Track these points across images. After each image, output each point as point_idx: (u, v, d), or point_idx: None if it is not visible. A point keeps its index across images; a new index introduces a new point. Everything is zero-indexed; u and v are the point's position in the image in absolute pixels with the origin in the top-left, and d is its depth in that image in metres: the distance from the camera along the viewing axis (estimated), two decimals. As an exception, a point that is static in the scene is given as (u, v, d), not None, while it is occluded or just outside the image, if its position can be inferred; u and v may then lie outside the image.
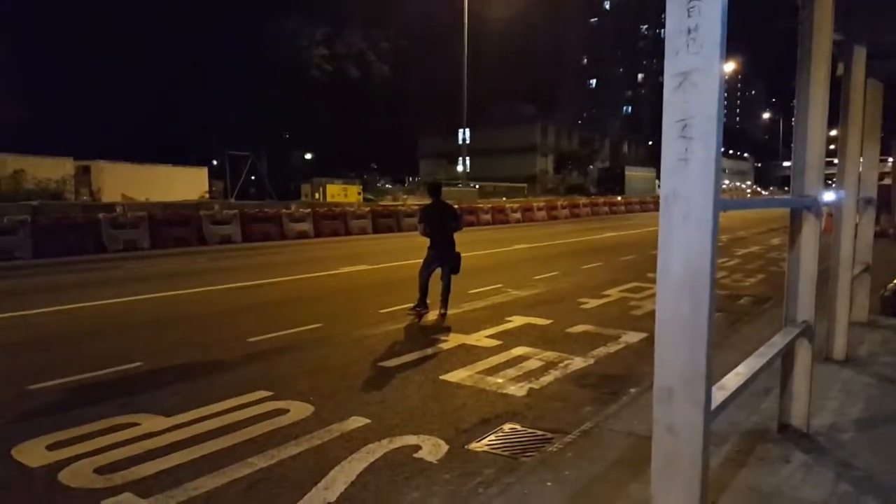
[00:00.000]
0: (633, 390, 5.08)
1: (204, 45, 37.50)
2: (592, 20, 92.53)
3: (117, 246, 16.19)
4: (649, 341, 6.76)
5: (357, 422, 4.43)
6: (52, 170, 28.03)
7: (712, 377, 2.07)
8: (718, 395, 2.25)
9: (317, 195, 36.44)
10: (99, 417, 4.48)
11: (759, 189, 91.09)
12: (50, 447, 4.01)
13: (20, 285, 11.17)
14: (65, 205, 21.33)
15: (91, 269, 13.29)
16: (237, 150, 42.12)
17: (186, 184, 33.12)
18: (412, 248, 11.85)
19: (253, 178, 44.42)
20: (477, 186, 40.89)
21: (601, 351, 6.40)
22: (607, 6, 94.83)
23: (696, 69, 2.01)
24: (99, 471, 3.67)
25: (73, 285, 11.04)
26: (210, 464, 3.76)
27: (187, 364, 5.95)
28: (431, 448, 4.01)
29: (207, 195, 33.96)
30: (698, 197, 1.98)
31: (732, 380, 2.51)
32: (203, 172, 37.28)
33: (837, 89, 5.19)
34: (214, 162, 44.55)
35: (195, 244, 17.87)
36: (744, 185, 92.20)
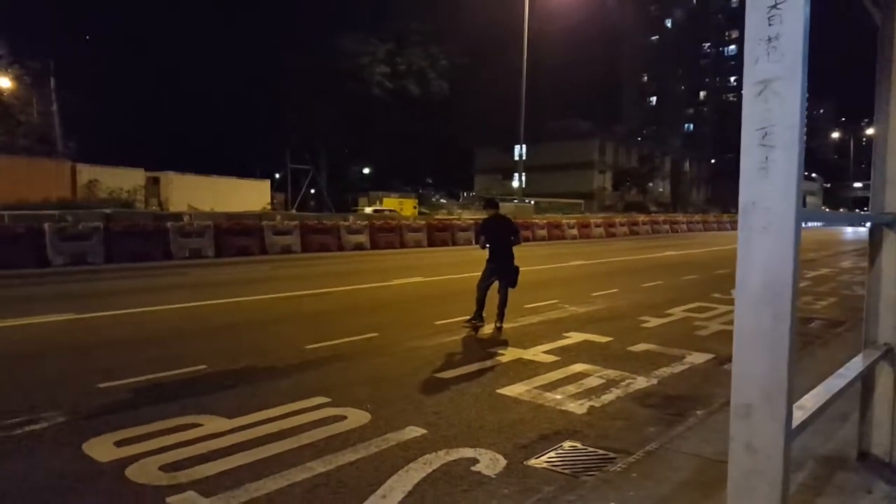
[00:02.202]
0: (699, 412, 4.91)
1: (272, 64, 38.91)
2: (653, 38, 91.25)
3: (183, 254, 16.86)
4: (715, 363, 6.54)
5: (414, 431, 4.43)
6: (125, 180, 29.48)
7: (794, 394, 1.98)
8: (798, 414, 2.15)
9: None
10: (164, 417, 4.62)
11: (828, 210, 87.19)
12: (118, 443, 4.14)
13: (91, 289, 11.74)
14: (135, 213, 22.39)
15: (158, 274, 13.88)
16: (299, 164, 43.37)
17: (250, 195, 34.27)
18: (466, 261, 11.93)
19: (312, 190, 45.62)
20: (532, 202, 40.67)
21: (665, 371, 6.21)
22: (668, 24, 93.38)
23: (778, 77, 1.95)
24: (164, 468, 3.77)
25: (142, 290, 11.52)
26: (270, 466, 3.82)
27: (248, 368, 6.10)
28: (489, 462, 3.96)
29: (269, 206, 35.02)
30: (779, 206, 1.92)
31: (811, 400, 2.40)
32: (266, 185, 38.53)
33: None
34: (277, 175, 46.00)
35: (257, 253, 18.43)
36: (813, 206, 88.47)
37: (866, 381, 3.54)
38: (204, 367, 6.03)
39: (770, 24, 1.97)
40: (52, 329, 7.87)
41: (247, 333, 7.85)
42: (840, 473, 3.59)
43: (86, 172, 29.26)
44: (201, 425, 4.47)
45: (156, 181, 32.19)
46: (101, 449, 4.06)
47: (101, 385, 5.40)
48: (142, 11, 37.26)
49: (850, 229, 38.20)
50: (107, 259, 15.42)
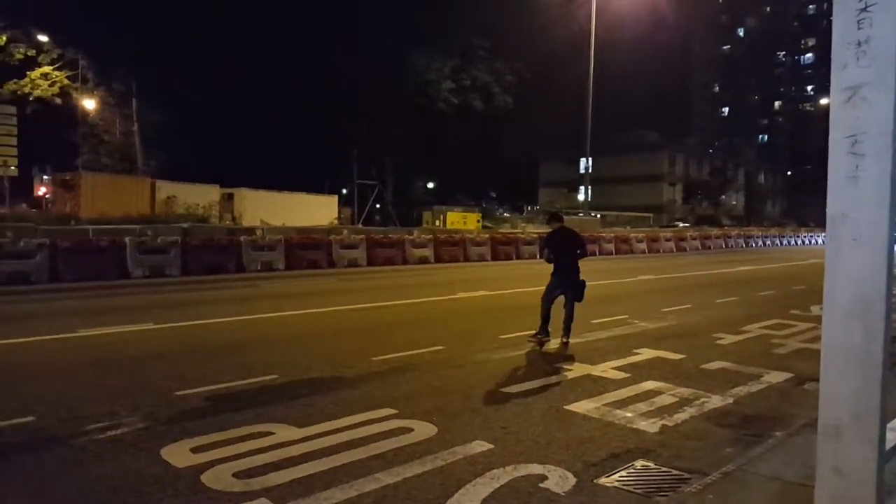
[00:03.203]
0: (778, 433, 4.67)
1: (342, 81, 40.05)
2: (725, 47, 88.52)
3: (255, 266, 17.39)
4: (794, 382, 6.23)
5: (481, 446, 4.40)
6: (200, 196, 30.70)
7: (887, 414, 1.88)
8: (892, 436, 2.03)
9: (437, 222, 37.33)
10: (238, 425, 4.74)
11: None
12: (194, 450, 4.24)
13: (169, 300, 12.24)
14: (211, 228, 23.29)
15: (232, 287, 14.38)
16: (366, 180, 44.30)
17: (318, 210, 35.17)
18: (531, 275, 11.83)
19: (378, 205, 46.43)
20: (598, 215, 39.99)
21: (741, 390, 5.96)
22: (741, 33, 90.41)
23: (868, 83, 1.88)
24: (237, 475, 3.86)
25: (216, 301, 11.97)
26: (339, 476, 3.86)
27: (317, 379, 6.22)
28: (558, 479, 3.89)
29: (337, 221, 35.83)
30: (870, 216, 1.83)
31: (908, 423, 2.26)
32: (334, 200, 39.49)
33: None
34: (344, 190, 47.13)
35: (325, 267, 18.82)
36: None
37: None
38: (275, 376, 6.18)
39: (860, 28, 1.90)
40: (131, 338, 8.21)
41: (316, 344, 8.03)
42: (939, 504, 3.34)
43: (164, 189, 30.69)
44: (273, 434, 4.57)
45: (230, 197, 33.47)
46: (178, 454, 4.17)
47: (179, 392, 5.59)
48: (219, 33, 39.17)
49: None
50: (183, 271, 16.04)
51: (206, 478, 3.82)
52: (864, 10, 1.89)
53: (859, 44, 1.91)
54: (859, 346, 1.83)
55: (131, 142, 36.98)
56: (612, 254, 27.44)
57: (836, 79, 1.93)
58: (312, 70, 40.11)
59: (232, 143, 40.75)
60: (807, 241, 41.24)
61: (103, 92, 34.85)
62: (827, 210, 1.91)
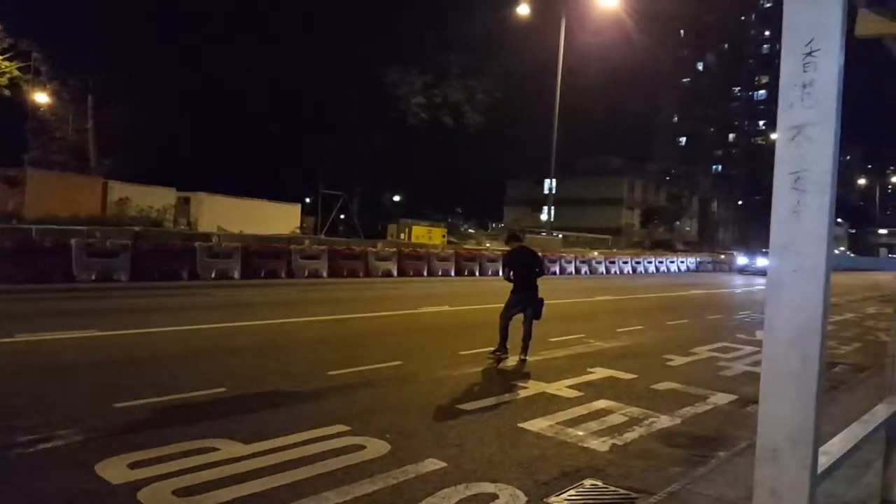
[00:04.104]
0: (722, 454, 4.82)
1: (311, 89, 39.77)
2: (684, 80, 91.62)
3: (210, 274, 16.85)
4: (739, 404, 6.44)
5: (434, 464, 4.37)
6: (156, 199, 29.62)
7: (820, 439, 1.97)
8: (824, 459, 2.13)
9: (402, 235, 37.25)
10: (180, 440, 4.52)
11: (852, 256, 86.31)
12: (132, 465, 4.06)
13: (116, 306, 11.83)
14: (164, 232, 22.52)
15: (184, 295, 13.97)
16: (331, 190, 43.96)
17: (279, 219, 34.60)
18: (493, 291, 11.92)
19: (343, 216, 46.11)
20: (561, 235, 40.57)
21: (688, 410, 6.12)
22: (700, 67, 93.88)
23: (811, 123, 1.98)
24: (177, 493, 3.69)
25: (166, 309, 11.61)
26: (285, 495, 3.75)
27: (268, 393, 6.05)
28: (509, 498, 3.90)
29: (299, 230, 35.36)
30: (811, 250, 1.93)
31: (837, 445, 2.37)
32: (296, 209, 38.92)
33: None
34: (308, 199, 46.61)
35: (284, 277, 18.49)
36: (838, 251, 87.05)
37: (890, 428, 3.48)
38: (224, 389, 5.98)
39: (805, 71, 2.01)
40: (73, 345, 7.85)
41: (270, 357, 7.83)
42: (868, 525, 3.50)
43: (117, 190, 29.54)
44: (218, 449, 4.40)
45: (186, 201, 32.53)
46: (114, 470, 3.98)
47: (121, 404, 5.32)
48: (181, 33, 38.39)
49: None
50: (133, 277, 15.37)
51: (143, 495, 3.65)
52: (810, 54, 2.01)
53: (804, 86, 2.01)
54: (797, 374, 1.92)
55: (85, 139, 35.76)
56: (572, 273, 27.84)
57: (783, 118, 2.03)
58: (280, 77, 39.71)
59: (191, 146, 39.73)
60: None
61: (57, 86, 33.61)
62: (770, 242, 2.01)
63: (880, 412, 3.10)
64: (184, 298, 13.38)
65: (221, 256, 17.59)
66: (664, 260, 37.69)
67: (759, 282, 27.02)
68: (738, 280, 32.09)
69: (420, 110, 42.43)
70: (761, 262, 34.58)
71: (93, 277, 14.84)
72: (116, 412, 5.19)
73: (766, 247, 2.10)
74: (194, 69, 38.51)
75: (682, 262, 39.53)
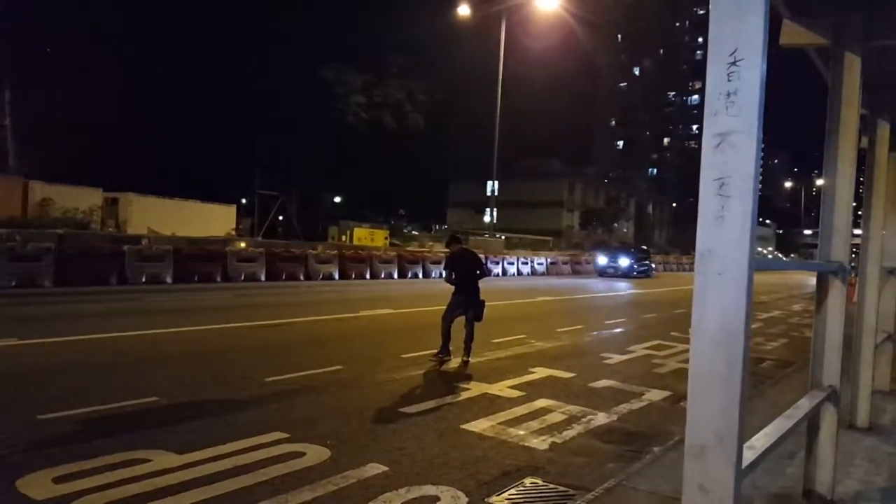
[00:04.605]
0: (656, 449, 4.98)
1: (244, 87, 38.82)
2: (622, 84, 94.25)
3: (140, 279, 16.23)
4: (673, 400, 6.66)
5: (375, 469, 4.35)
6: (80, 199, 28.15)
7: (745, 435, 2.05)
8: (749, 454, 2.22)
9: (343, 238, 36.84)
10: (110, 451, 4.34)
11: (780, 256, 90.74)
12: (57, 480, 3.89)
13: (40, 312, 11.26)
14: (91, 235, 21.48)
15: (112, 300, 13.41)
16: (268, 190, 43.01)
17: (214, 220, 33.52)
18: (437, 294, 11.93)
19: (281, 217, 45.19)
20: (503, 237, 41.04)
21: (624, 407, 6.30)
22: (636, 72, 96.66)
23: (735, 131, 2.06)
24: None
25: (94, 315, 11.08)
26: None
27: (203, 401, 5.88)
28: (450, 500, 3.92)
29: (234, 232, 34.43)
30: (734, 254, 2.01)
31: (762, 440, 2.48)
32: (231, 210, 37.78)
33: (863, 160, 5.28)
34: (244, 200, 45.42)
35: (219, 280, 17.98)
36: (765, 252, 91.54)
37: (812, 421, 3.68)
38: (156, 398, 5.77)
39: (729, 80, 2.09)
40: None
41: (204, 364, 7.60)
42: (788, 512, 3.68)
43: (39, 190, 27.95)
44: (150, 461, 4.25)
45: (114, 202, 31.10)
46: (37, 486, 3.79)
47: (43, 416, 5.09)
48: (106, 27, 36.73)
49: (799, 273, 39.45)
50: (58, 282, 14.67)
51: None
52: (734, 63, 2.09)
53: (728, 94, 2.09)
54: (722, 373, 1.99)
55: (2, 136, 33.67)
56: (514, 275, 28.18)
57: (709, 125, 2.10)
58: (211, 72, 38.55)
59: (117, 145, 37.99)
60: (688, 268, 44.10)
61: (-31, 81, 31.71)
62: (696, 246, 2.08)
63: (804, 406, 3.27)
64: (112, 304, 12.81)
65: (152, 260, 16.96)
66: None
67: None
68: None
69: (360, 110, 42.08)
70: (624, 261, 31.68)
71: (14, 283, 14.07)
72: (39, 424, 4.94)
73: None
74: (119, 64, 36.93)
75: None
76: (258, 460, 4.40)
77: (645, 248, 42.71)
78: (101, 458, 4.25)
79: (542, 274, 30.57)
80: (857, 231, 5.64)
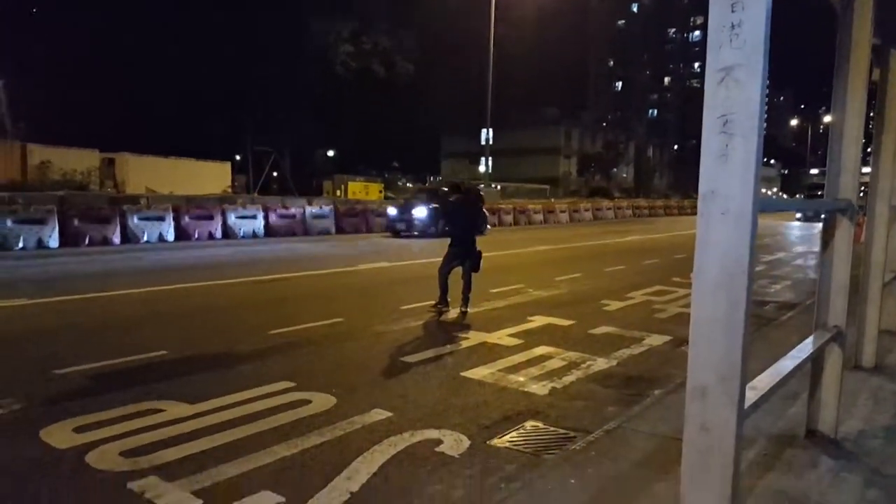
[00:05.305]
0: (657, 392, 5.04)
1: (230, 41, 37.89)
2: (619, 22, 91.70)
3: (141, 237, 16.44)
4: (673, 344, 6.71)
5: (379, 414, 4.44)
6: (78, 161, 28.20)
7: (747, 375, 2.05)
8: (751, 394, 2.23)
9: (338, 192, 36.64)
10: (124, 403, 4.53)
11: (784, 196, 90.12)
12: (77, 430, 4.06)
13: (46, 273, 11.36)
14: (91, 196, 21.54)
15: (115, 259, 13.51)
16: (261, 147, 42.51)
17: (210, 178, 33.39)
18: (433, 246, 11.94)
19: (275, 174, 44.80)
20: (499, 187, 40.81)
21: (624, 353, 6.35)
22: (634, 9, 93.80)
23: (739, 65, 1.99)
24: (125, 454, 3.72)
25: (98, 275, 11.20)
26: (234, 451, 3.79)
27: (210, 354, 6.02)
28: (453, 443, 4.01)
29: (230, 189, 34.26)
30: (738, 193, 1.96)
31: (764, 380, 2.49)
32: (226, 167, 37.58)
33: (874, 95, 5.12)
34: (237, 157, 44.97)
35: (220, 238, 18.10)
36: (770, 192, 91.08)
37: (816, 362, 3.69)
38: (165, 352, 5.92)
39: (733, 11, 2.00)
40: (3, 314, 7.62)
41: (209, 318, 7.72)
42: (789, 450, 3.74)
43: (37, 153, 27.96)
44: (163, 411, 4.41)
45: (111, 163, 31.02)
46: (59, 436, 3.98)
47: (59, 371, 5.26)
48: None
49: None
50: (62, 243, 14.97)
51: (91, 458, 3.66)
52: (738, -6, 1.99)
53: (732, 26, 2.00)
54: (724, 315, 1.97)
55: None
56: (511, 225, 28.13)
57: (711, 60, 2.03)
58: (200, 26, 37.57)
59: (111, 105, 37.40)
60: (689, 212, 43.78)
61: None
62: (699, 186, 2.03)
63: (808, 346, 3.27)
64: (115, 263, 12.89)
65: (152, 219, 17.02)
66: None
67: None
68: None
69: (348, 59, 41.13)
70: (419, 212, 20.55)
71: (20, 246, 14.32)
72: (56, 379, 5.11)
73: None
74: (109, 22, 36.00)
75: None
76: (267, 408, 4.53)
77: (474, 189, 19.74)
78: (116, 410, 4.41)
79: (539, 223, 30.51)
80: (866, 169, 5.53)
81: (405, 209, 21.32)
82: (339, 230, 21.39)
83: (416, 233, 20.53)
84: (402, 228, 20.80)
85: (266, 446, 3.87)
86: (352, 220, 22.09)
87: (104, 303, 8.53)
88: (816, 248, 3.91)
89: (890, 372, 5.39)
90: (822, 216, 3.76)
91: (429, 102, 49.96)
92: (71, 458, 3.69)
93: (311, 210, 21.20)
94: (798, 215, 32.90)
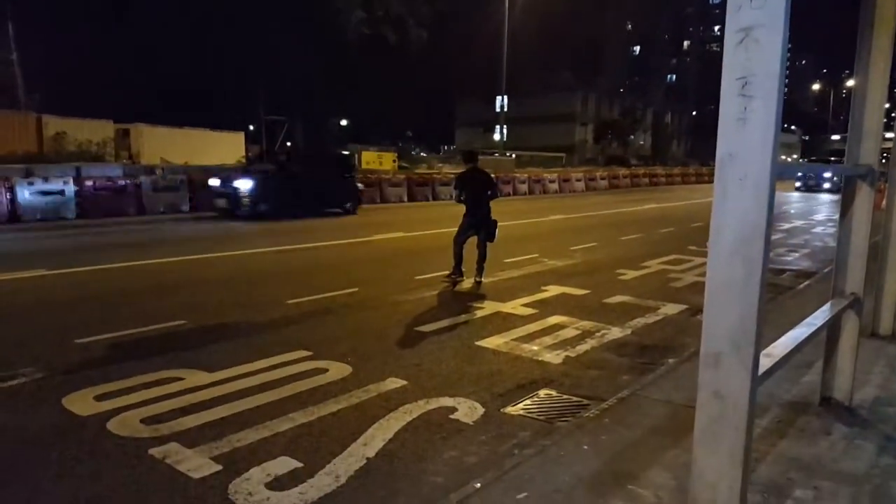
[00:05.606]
0: (671, 360, 5.04)
1: (241, 9, 37.52)
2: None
3: (158, 208, 16.49)
4: (688, 313, 6.68)
5: (394, 383, 4.50)
6: (93, 132, 28.18)
7: (761, 342, 2.03)
8: (765, 361, 2.21)
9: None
10: (144, 371, 4.62)
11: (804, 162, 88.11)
12: (98, 398, 4.15)
13: (64, 244, 11.50)
14: (107, 167, 21.69)
15: (132, 230, 13.63)
16: (274, 115, 42.32)
17: (223, 148, 33.34)
18: (447, 216, 11.88)
19: (289, 143, 44.67)
20: (513, 156, 40.41)
21: (639, 322, 6.34)
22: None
23: (759, 25, 1.93)
24: (145, 421, 3.80)
25: (115, 245, 11.32)
26: (252, 418, 3.87)
27: (228, 323, 6.09)
28: (468, 410, 4.06)
29: (244, 160, 34.28)
30: (756, 158, 1.92)
31: (779, 347, 2.47)
32: (240, 137, 37.48)
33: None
34: (251, 127, 44.89)
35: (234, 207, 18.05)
36: (789, 159, 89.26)
37: (832, 329, 3.66)
38: (184, 322, 6.00)
39: (753, -30, 1.93)
40: (24, 285, 7.73)
41: (226, 289, 7.78)
42: (803, 417, 3.74)
43: (52, 125, 27.95)
44: (182, 379, 4.50)
45: (126, 133, 31.03)
46: (81, 403, 4.07)
47: (80, 340, 5.35)
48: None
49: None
50: (79, 214, 15.11)
51: (112, 425, 3.75)
52: (760, -48, 1.92)
53: (753, -14, 1.94)
54: (740, 281, 1.95)
55: (10, 72, 33.21)
56: (526, 194, 27.94)
57: (731, 20, 1.96)
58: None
59: (125, 76, 37.37)
60: (707, 180, 43.03)
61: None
62: (717, 151, 1.99)
63: (824, 314, 3.24)
64: (132, 235, 13.01)
65: (168, 189, 17.08)
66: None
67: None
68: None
69: (361, 26, 40.53)
70: (243, 185, 15.54)
71: (38, 217, 14.50)
72: (77, 349, 5.20)
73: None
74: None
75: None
76: (285, 376, 4.60)
77: (340, 155, 22.02)
78: (136, 378, 4.50)
79: (554, 192, 30.29)
80: (889, 134, 5.42)
81: (228, 180, 16.16)
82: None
83: (241, 211, 15.33)
84: (223, 206, 15.69)
85: (284, 413, 3.94)
86: (367, 189, 22.00)
87: (122, 273, 8.63)
88: (837, 216, 3.83)
89: (908, 340, 5.34)
90: (825, 185, 3.68)
91: (443, 70, 49.33)
92: (93, 424, 3.77)
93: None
94: (797, 184, 31.89)
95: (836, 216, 3.83)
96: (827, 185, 29.56)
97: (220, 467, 3.29)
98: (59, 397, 4.16)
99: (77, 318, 6.19)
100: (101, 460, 3.40)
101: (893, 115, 5.34)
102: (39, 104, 32.00)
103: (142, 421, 3.80)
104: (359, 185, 18.40)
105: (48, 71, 32.34)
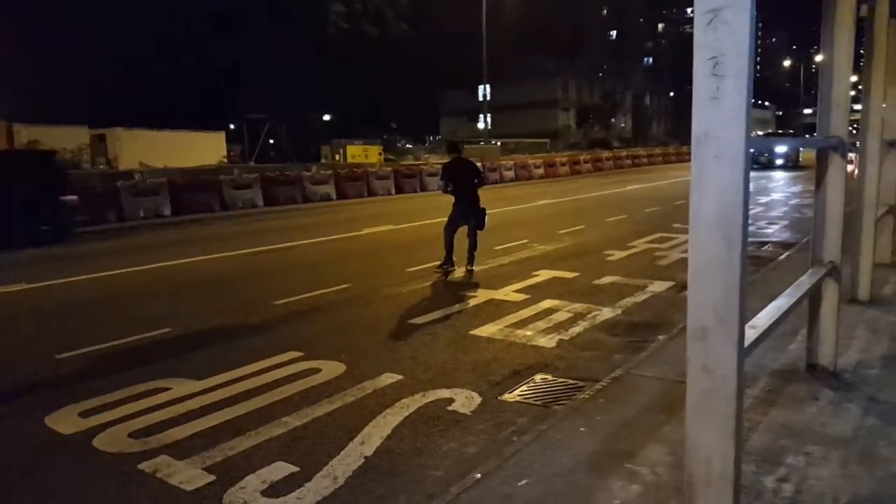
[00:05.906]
0: (661, 337, 5.11)
1: (221, 6, 37.04)
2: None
3: (138, 214, 16.09)
4: (676, 290, 6.77)
5: (390, 378, 4.49)
6: (67, 139, 27.34)
7: (745, 315, 2.08)
8: (750, 333, 2.26)
9: (337, 156, 36.28)
10: (129, 384, 4.48)
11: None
12: (82, 414, 4.03)
13: (45, 254, 11.23)
14: (83, 174, 21.19)
15: (112, 237, 13.40)
16: (255, 114, 41.92)
17: (204, 149, 32.74)
18: (436, 207, 11.91)
19: (272, 141, 44.30)
20: (499, 143, 40.40)
21: (629, 301, 6.41)
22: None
23: (727, 6, 1.96)
24: (133, 435, 3.70)
25: (95, 254, 11.05)
26: (245, 424, 3.80)
27: (215, 328, 6.00)
28: (465, 400, 4.08)
29: (226, 160, 33.88)
30: (730, 135, 1.96)
31: (763, 318, 2.52)
32: (221, 137, 36.91)
33: (862, 32, 5.07)
34: (232, 126, 44.40)
35: (217, 210, 17.79)
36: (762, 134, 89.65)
37: (813, 298, 3.75)
38: (169, 329, 5.89)
39: (719, -50, 1.96)
40: (1, 299, 7.56)
41: (212, 292, 7.71)
42: (791, 385, 3.82)
43: (24, 132, 27.25)
44: (169, 389, 4.39)
45: (102, 139, 30.36)
46: (64, 421, 3.95)
47: (61, 355, 5.19)
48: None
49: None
50: None
51: (98, 441, 3.65)
52: (725, -69, 1.95)
53: (720, -34, 1.97)
54: (721, 256, 1.99)
55: None
56: (512, 181, 27.98)
57: (699, 2, 2.00)
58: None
59: (97, 80, 36.61)
60: (687, 159, 43.04)
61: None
62: (692, 130, 2.03)
63: (804, 283, 3.31)
64: (112, 242, 12.79)
65: (148, 194, 16.76)
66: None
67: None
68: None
69: (340, 20, 40.16)
70: None
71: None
72: (59, 363, 5.07)
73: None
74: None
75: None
76: (275, 379, 4.53)
77: (38, 156, 16.60)
78: (122, 391, 4.38)
79: (540, 177, 30.35)
80: (857, 106, 5.52)
81: None
82: (340, 195, 21.27)
83: None
84: None
85: (277, 418, 3.88)
86: (354, 183, 21.97)
87: (103, 282, 8.42)
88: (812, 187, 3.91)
89: (885, 303, 5.50)
90: (778, 161, 3.75)
91: (425, 61, 49.07)
92: (78, 442, 3.67)
93: (308, 175, 21.03)
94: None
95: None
96: (780, 161, 28.61)
97: (213, 478, 3.22)
98: (41, 416, 4.02)
99: (58, 331, 6.05)
100: (89, 479, 3.30)
101: (860, 87, 5.43)
102: (10, 113, 31.35)
103: (129, 435, 3.71)
104: (71, 197, 12.89)
105: (18, 78, 31.58)
